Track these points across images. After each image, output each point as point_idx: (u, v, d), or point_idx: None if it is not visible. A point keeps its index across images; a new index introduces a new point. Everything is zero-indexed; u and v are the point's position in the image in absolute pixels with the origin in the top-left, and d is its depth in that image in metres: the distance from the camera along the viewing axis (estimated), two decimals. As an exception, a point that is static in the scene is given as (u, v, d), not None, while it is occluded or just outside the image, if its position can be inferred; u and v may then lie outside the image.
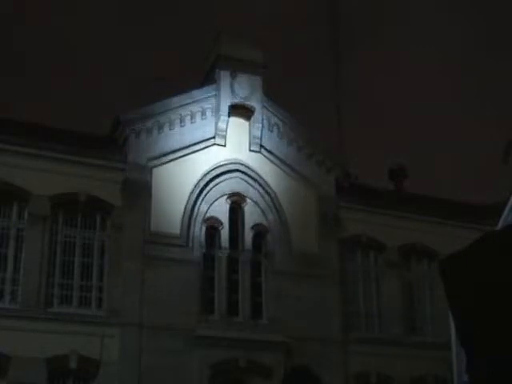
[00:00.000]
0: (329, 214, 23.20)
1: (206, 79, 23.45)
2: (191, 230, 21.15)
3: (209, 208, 21.72)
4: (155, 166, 21.30)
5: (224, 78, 22.75)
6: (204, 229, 21.53)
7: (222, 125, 22.38)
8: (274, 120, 23.31)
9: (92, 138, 21.76)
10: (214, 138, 22.33)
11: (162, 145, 21.53)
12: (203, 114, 22.39)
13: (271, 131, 23.17)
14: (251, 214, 22.28)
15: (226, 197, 22.06)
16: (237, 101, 22.63)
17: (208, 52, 23.73)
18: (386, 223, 24.04)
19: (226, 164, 22.29)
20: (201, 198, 21.64)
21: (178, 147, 21.73)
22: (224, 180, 22.13)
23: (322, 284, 22.29)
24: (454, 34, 47.24)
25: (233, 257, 21.84)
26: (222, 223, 21.80)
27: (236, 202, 22.25)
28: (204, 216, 21.55)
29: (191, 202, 21.42)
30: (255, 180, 22.55)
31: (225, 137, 22.45)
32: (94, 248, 20.59)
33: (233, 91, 22.66)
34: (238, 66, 22.90)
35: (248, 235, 22.09)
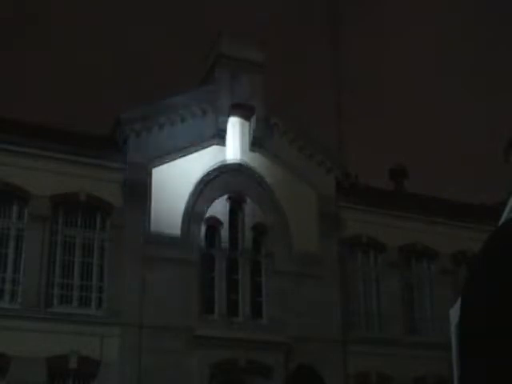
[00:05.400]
0: (329, 214, 23.19)
1: (206, 79, 23.45)
2: (191, 230, 21.14)
3: (209, 208, 21.70)
4: (155, 166, 21.29)
5: (224, 77, 22.74)
6: (204, 229, 21.51)
7: (222, 125, 22.37)
8: (274, 120, 23.29)
9: (92, 138, 21.76)
10: (214, 137, 22.32)
11: (162, 145, 21.51)
12: (203, 114, 22.38)
13: (271, 131, 23.16)
14: (251, 214, 22.27)
15: (226, 197, 22.05)
16: (237, 101, 22.62)
17: (208, 52, 23.72)
18: (386, 223, 24.03)
19: (225, 164, 22.28)
20: (201, 198, 21.63)
21: (178, 147, 21.72)
22: (224, 180, 22.12)
23: (322, 284, 22.28)
24: (455, 32, 47.23)
25: (233, 257, 21.83)
26: (221, 223, 21.79)
27: (236, 202, 22.24)
28: (204, 216, 21.54)
29: (191, 202, 21.41)
30: (255, 180, 22.54)
31: (225, 137, 22.45)
32: (94, 248, 20.58)
33: (233, 91, 22.65)
34: (237, 66, 22.90)
35: (248, 235, 22.08)
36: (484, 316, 1.07)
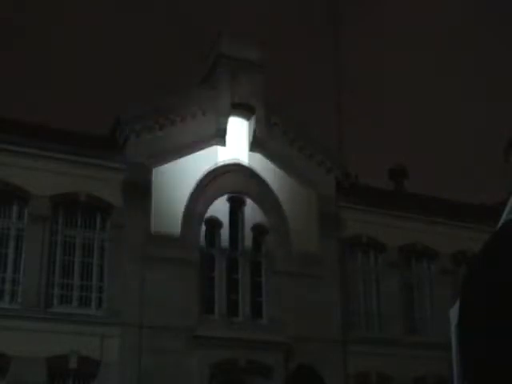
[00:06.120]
0: (329, 214, 23.18)
1: (206, 79, 23.44)
2: (191, 230, 21.13)
3: (209, 208, 21.70)
4: (155, 166, 21.28)
5: (224, 77, 22.73)
6: (204, 229, 21.51)
7: (222, 125, 22.36)
8: (274, 120, 23.29)
9: (92, 138, 21.76)
10: (214, 137, 22.32)
11: (162, 145, 21.51)
12: (203, 113, 22.37)
13: (271, 131, 23.16)
14: (251, 214, 22.27)
15: (226, 197, 22.05)
16: (237, 100, 22.62)
17: (208, 52, 23.72)
18: (386, 223, 24.02)
19: (226, 164, 22.27)
20: (201, 198, 21.62)
21: (178, 147, 21.71)
22: (224, 180, 22.11)
23: (322, 284, 22.28)
24: (455, 32, 47.20)
25: (233, 257, 21.82)
26: (221, 223, 21.78)
27: (236, 202, 22.23)
28: (204, 216, 21.54)
29: (191, 202, 21.40)
30: (255, 180, 22.54)
31: (225, 137, 22.44)
32: (94, 248, 20.57)
33: (233, 91, 22.65)
34: (237, 66, 22.89)
35: (248, 235, 22.07)
36: (484, 316, 1.07)
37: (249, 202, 22.33)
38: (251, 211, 22.30)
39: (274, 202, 22.56)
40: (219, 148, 22.34)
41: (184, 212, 21.20)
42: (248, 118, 22.86)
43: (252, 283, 21.82)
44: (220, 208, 21.86)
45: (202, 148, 22.12)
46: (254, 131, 22.73)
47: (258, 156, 22.80)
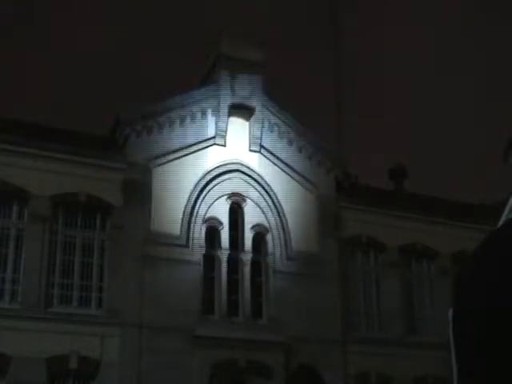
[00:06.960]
0: (329, 214, 23.19)
1: (206, 79, 23.45)
2: (191, 230, 21.14)
3: (209, 208, 21.70)
4: (155, 166, 21.29)
5: (224, 77, 22.74)
6: (204, 229, 21.51)
7: (221, 125, 22.37)
8: (274, 120, 23.29)
9: (92, 138, 21.76)
10: (214, 137, 22.32)
11: (162, 145, 21.52)
12: (203, 114, 22.38)
13: (271, 131, 23.16)
14: (251, 215, 22.27)
15: (226, 197, 22.05)
16: (237, 101, 22.62)
17: (208, 52, 23.72)
18: (386, 223, 24.03)
19: (226, 164, 22.28)
20: (201, 198, 21.63)
21: (178, 147, 21.72)
22: (224, 180, 22.12)
23: (322, 284, 22.28)
24: (455, 32, 47.23)
25: (233, 257, 21.82)
26: (222, 223, 21.79)
27: (236, 202, 22.24)
28: (204, 216, 21.54)
29: (191, 202, 21.41)
30: (255, 180, 22.54)
31: (225, 137, 22.45)
32: (94, 248, 20.57)
33: (233, 91, 22.65)
34: (238, 66, 22.89)
35: (248, 235, 22.08)
36: (483, 316, 1.07)
37: (249, 202, 22.34)
38: (251, 211, 22.31)
39: (273, 202, 22.56)
40: (219, 148, 22.35)
41: (184, 212, 21.20)
42: (248, 118, 22.86)
43: (252, 283, 21.81)
44: (220, 208, 21.87)
45: (202, 148, 22.13)
46: (254, 131, 22.73)
47: (257, 156, 22.81)
